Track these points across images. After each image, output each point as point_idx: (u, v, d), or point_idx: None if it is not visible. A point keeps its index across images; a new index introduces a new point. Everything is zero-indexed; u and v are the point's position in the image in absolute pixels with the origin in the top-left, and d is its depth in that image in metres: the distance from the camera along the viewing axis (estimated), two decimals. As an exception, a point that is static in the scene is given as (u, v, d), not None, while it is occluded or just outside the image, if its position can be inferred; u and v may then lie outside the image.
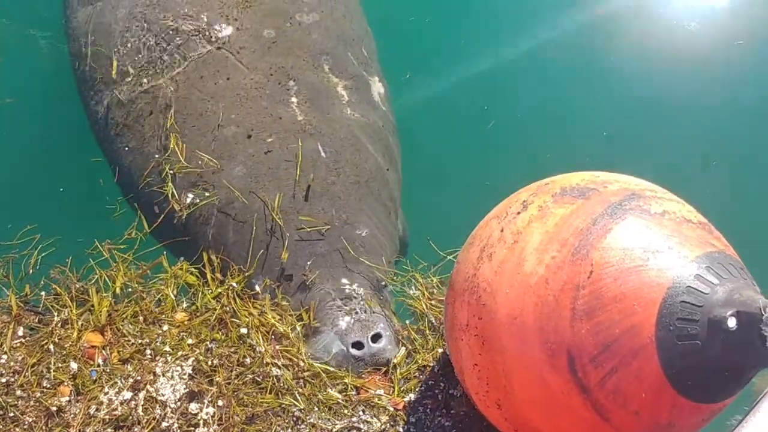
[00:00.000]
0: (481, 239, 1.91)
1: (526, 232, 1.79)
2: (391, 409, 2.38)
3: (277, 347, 2.45)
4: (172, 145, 2.81)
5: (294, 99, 2.92)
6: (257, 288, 2.63)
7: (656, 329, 1.60)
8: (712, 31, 4.12)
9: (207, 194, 2.75)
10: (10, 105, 3.44)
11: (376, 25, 3.54)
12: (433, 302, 2.67)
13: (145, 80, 2.97)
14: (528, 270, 1.72)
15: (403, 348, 2.54)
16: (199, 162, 2.79)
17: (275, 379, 2.37)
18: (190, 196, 2.77)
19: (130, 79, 3.00)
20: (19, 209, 3.08)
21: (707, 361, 1.60)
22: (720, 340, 1.58)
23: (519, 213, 1.85)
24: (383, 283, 2.70)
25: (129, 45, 3.05)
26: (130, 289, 2.61)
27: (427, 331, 2.60)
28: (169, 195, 2.76)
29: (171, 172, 2.78)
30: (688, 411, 1.69)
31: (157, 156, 2.86)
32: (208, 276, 2.64)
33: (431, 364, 2.51)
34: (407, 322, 2.68)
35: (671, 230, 1.71)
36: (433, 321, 2.61)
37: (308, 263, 2.63)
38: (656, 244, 1.67)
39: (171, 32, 3.03)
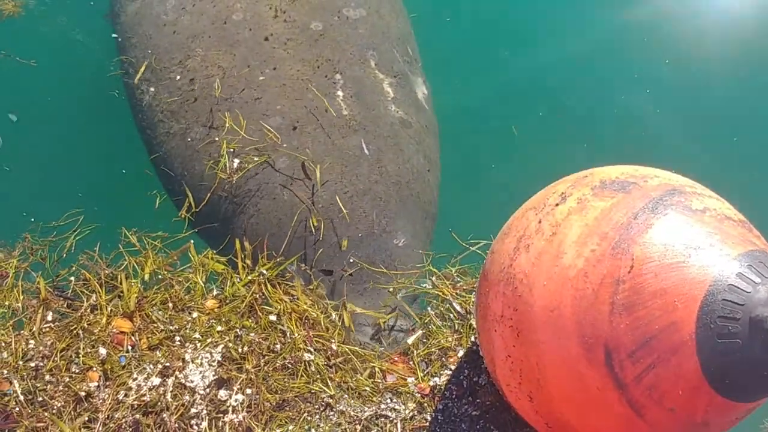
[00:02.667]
0: (517, 230, 1.90)
1: (564, 224, 1.77)
2: (418, 395, 2.38)
3: (311, 333, 2.46)
4: (227, 123, 2.82)
5: (340, 92, 2.92)
6: (290, 273, 2.65)
7: (696, 326, 1.58)
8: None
9: (256, 159, 2.75)
10: (58, 97, 3.47)
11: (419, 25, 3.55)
12: (457, 291, 2.66)
13: (191, 68, 2.98)
14: (567, 262, 1.71)
15: (420, 331, 2.56)
16: (251, 139, 2.81)
17: (306, 365, 2.38)
18: (237, 161, 2.77)
19: (177, 67, 3.01)
20: (66, 197, 3.11)
21: (747, 360, 1.58)
22: (761, 340, 1.56)
23: (557, 205, 1.83)
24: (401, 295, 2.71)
25: (177, 34, 3.06)
26: (160, 277, 2.62)
27: (453, 315, 2.60)
28: (219, 170, 2.77)
29: (230, 150, 2.79)
30: (723, 409, 1.67)
31: (203, 141, 2.87)
32: (239, 264, 2.65)
33: (455, 348, 2.50)
34: (428, 308, 2.68)
35: (713, 227, 1.69)
36: (458, 308, 2.61)
37: (345, 263, 2.67)
38: (698, 241, 1.64)
39: (219, 22, 3.04)
